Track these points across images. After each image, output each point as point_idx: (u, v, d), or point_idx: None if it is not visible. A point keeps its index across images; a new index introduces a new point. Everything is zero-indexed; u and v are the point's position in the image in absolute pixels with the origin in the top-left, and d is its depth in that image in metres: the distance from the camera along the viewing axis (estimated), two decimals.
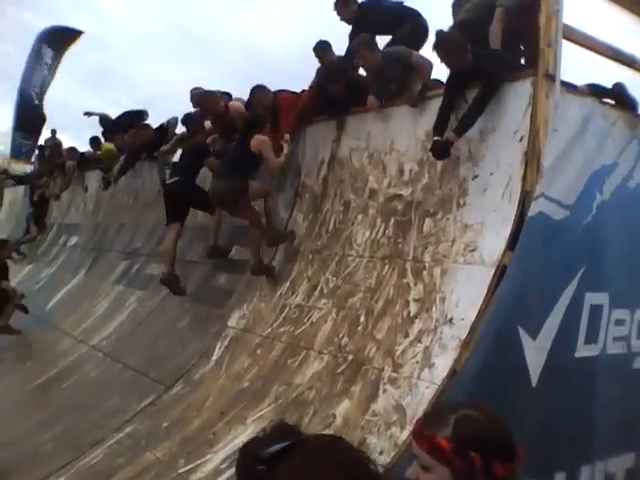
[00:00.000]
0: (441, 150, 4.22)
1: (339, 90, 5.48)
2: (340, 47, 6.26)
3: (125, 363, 6.00)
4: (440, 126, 4.27)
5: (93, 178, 11.10)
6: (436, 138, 4.24)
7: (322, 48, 6.24)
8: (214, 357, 5.26)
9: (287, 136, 5.94)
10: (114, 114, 10.87)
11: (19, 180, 14.67)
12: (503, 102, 4.03)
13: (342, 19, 6.15)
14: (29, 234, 12.59)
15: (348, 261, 4.89)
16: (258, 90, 6.42)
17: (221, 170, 5.87)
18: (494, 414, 1.46)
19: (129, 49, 56.00)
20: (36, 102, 16.08)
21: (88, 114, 10.95)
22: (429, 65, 5.00)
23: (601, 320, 3.99)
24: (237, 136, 6.11)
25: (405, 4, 6.05)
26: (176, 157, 7.57)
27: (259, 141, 5.59)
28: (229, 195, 5.60)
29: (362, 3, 6.12)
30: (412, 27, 5.75)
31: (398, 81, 5.12)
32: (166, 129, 8.82)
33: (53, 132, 14.14)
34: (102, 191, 10.43)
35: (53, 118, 16.41)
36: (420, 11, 5.93)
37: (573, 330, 3.81)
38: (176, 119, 8.64)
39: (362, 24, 5.90)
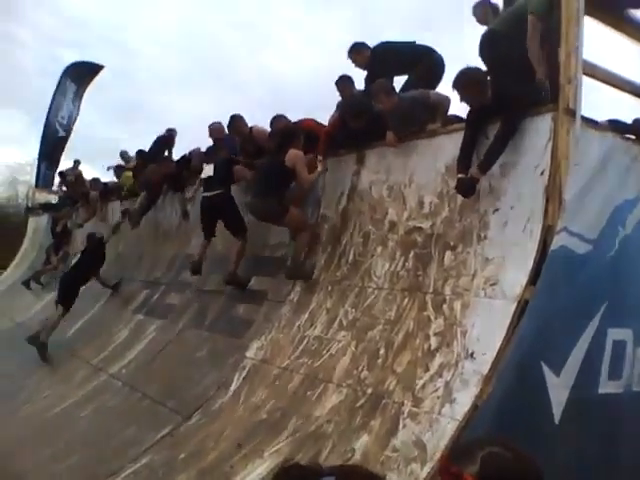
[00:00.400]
0: (467, 187, 4.24)
1: (360, 125, 5.54)
2: (360, 81, 6.40)
3: (143, 392, 5.99)
4: (463, 163, 4.30)
5: (116, 209, 11.27)
6: (460, 176, 4.26)
7: (343, 82, 6.37)
8: (232, 388, 5.23)
9: (320, 157, 6.06)
10: (138, 146, 11.09)
11: (44, 207, 14.98)
12: (524, 137, 4.05)
13: (356, 65, 6.25)
14: (50, 264, 12.75)
15: (367, 293, 4.89)
16: (275, 119, 6.64)
17: (256, 187, 5.96)
18: (521, 451, 1.44)
19: (154, 83, 57.54)
20: (61, 134, 16.49)
21: (109, 168, 11.40)
22: (447, 100, 5.06)
23: (625, 356, 3.93)
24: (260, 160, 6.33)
25: (418, 43, 6.10)
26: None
27: (294, 155, 5.69)
28: (268, 215, 5.83)
29: (375, 47, 6.17)
30: (427, 65, 5.82)
31: (417, 123, 5.15)
32: (188, 160, 8.97)
33: (76, 162, 14.44)
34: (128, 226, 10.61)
35: (79, 149, 16.84)
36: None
37: (596, 366, 3.75)
38: (199, 149, 8.80)
39: (377, 67, 5.99)
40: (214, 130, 8.14)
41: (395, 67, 6.02)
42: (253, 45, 65.70)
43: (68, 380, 7.33)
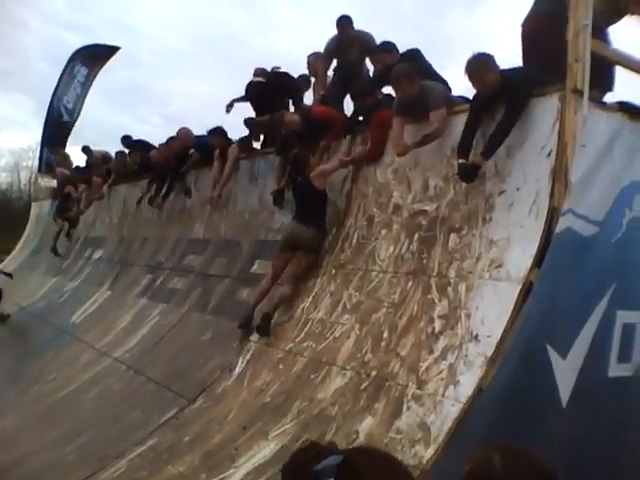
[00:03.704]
0: (469, 173, 4.20)
1: (364, 105, 5.48)
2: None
3: (148, 376, 6.01)
4: (464, 148, 4.25)
5: (119, 192, 11.25)
6: (461, 161, 4.22)
7: (344, 22, 6.50)
8: (236, 371, 5.25)
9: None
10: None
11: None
12: (530, 117, 4.00)
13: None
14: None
15: (371, 276, 4.87)
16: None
17: (298, 212, 5.73)
18: (518, 456, 1.49)
19: (160, 66, 57.27)
20: (65, 119, 16.42)
21: None
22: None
23: (634, 339, 3.90)
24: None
25: (437, 73, 5.78)
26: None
27: (319, 174, 5.62)
28: (308, 245, 5.55)
29: (405, 52, 5.98)
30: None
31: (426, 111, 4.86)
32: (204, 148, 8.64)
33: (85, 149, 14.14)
34: (128, 205, 10.62)
35: (83, 134, 16.74)
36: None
37: (605, 349, 3.73)
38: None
39: None
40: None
41: None
42: (260, 26, 65.20)
43: (73, 364, 7.37)
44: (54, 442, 5.30)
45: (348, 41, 6.55)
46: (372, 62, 6.38)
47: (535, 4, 4.67)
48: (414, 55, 5.79)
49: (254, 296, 5.81)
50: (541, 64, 4.25)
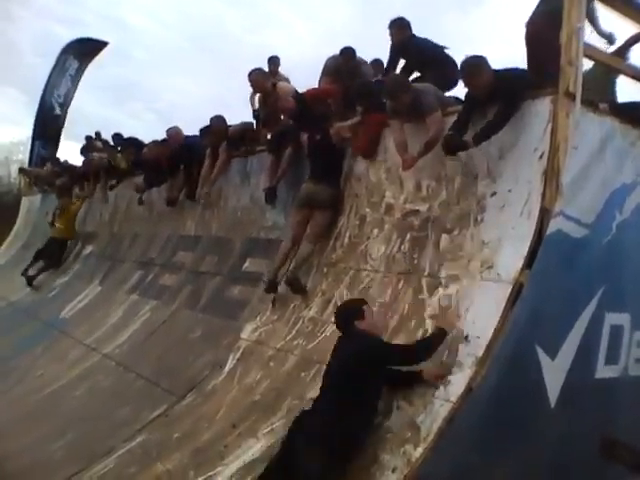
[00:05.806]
0: (454, 146, 4.12)
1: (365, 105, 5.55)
2: None
3: (137, 372, 5.99)
4: (456, 125, 4.19)
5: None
6: (450, 132, 4.15)
7: (347, 54, 6.73)
8: (226, 369, 5.24)
9: None
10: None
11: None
12: (523, 119, 4.01)
13: (392, 40, 6.22)
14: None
15: (363, 276, 4.88)
16: None
17: (315, 172, 5.68)
18: None
19: (151, 61, 56.99)
20: (57, 112, 16.35)
21: None
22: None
23: (622, 341, 3.94)
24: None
25: (443, 49, 6.00)
26: None
27: (336, 130, 5.67)
28: (326, 202, 5.55)
29: (413, 35, 6.16)
30: (434, 76, 5.60)
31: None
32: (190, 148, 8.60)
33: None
34: (118, 201, 10.56)
35: (73, 129, 16.66)
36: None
37: (593, 350, 3.76)
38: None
39: (406, 53, 6.06)
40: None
41: (413, 63, 6.12)
42: (252, 23, 65.07)
43: (61, 360, 7.32)
44: (42, 439, 5.27)
45: (347, 70, 6.73)
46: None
47: (539, 4, 4.67)
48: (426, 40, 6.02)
49: (277, 259, 5.71)
50: (545, 65, 4.25)
